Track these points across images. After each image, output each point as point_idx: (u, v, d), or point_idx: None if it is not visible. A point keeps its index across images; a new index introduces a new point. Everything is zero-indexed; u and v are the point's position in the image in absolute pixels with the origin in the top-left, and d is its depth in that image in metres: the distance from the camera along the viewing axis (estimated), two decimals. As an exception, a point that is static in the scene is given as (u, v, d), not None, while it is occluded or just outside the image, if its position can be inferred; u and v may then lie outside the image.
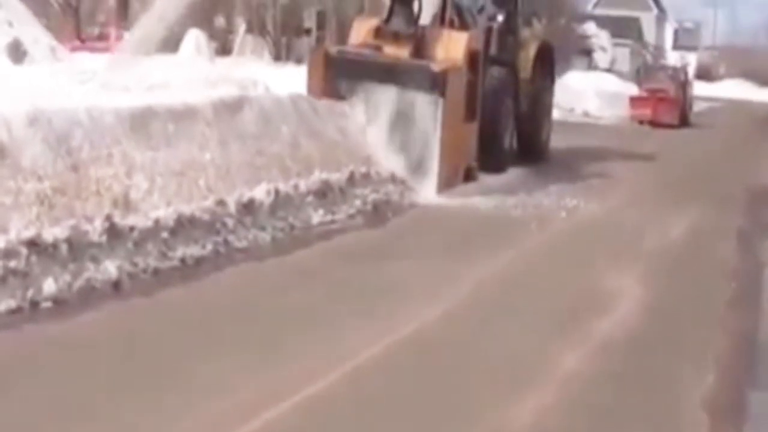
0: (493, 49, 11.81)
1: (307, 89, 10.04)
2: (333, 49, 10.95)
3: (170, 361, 4.39)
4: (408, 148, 9.63)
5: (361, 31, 10.95)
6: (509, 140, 12.03)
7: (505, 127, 11.72)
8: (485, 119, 10.87)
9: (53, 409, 3.77)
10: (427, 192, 9.35)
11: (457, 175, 10.17)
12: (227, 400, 3.96)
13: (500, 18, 12.27)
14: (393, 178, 9.23)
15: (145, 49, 11.11)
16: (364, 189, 8.57)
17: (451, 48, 10.38)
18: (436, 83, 9.59)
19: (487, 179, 10.81)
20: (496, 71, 11.63)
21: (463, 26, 11.14)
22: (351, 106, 9.86)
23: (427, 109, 9.61)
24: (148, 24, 11.06)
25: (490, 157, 11.05)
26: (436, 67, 9.78)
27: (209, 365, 4.36)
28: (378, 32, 10.58)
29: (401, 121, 9.72)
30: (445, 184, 9.64)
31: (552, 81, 14.24)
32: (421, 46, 10.43)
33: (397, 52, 10.29)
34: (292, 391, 4.05)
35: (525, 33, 13.48)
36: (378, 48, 10.35)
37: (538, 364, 4.77)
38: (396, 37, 10.43)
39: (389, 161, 9.37)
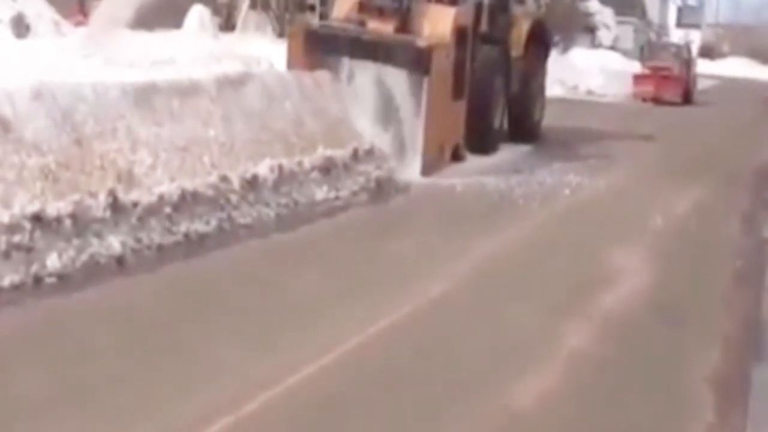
0: (483, 26, 11.36)
1: (287, 65, 9.77)
2: (314, 23, 10.54)
3: (171, 340, 4.38)
4: (392, 126, 9.41)
5: (344, 5, 10.58)
6: (499, 120, 11.72)
7: (495, 107, 11.38)
8: (474, 98, 10.56)
9: (52, 386, 3.77)
10: (412, 171, 9.10)
11: (444, 154, 9.89)
12: (227, 380, 3.96)
13: None
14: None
15: (115, 22, 11.00)
16: (368, 165, 8.53)
17: (438, 23, 10.07)
18: (421, 60, 9.33)
19: (486, 158, 10.66)
20: (486, 49, 11.15)
21: (453, 1, 10.81)
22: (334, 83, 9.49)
23: (411, 87, 9.38)
24: None
25: (479, 137, 10.77)
26: (421, 43, 9.53)
27: (210, 343, 4.35)
28: (362, 6, 10.26)
29: (385, 98, 9.48)
30: (431, 163, 9.37)
31: (545, 60, 13.84)
32: (406, 21, 10.13)
33: (382, 28, 10.00)
34: (292, 370, 4.05)
35: (517, 10, 12.96)
36: (362, 23, 10.05)
37: (541, 343, 4.77)
38: (380, 12, 10.13)
39: (373, 139, 9.03)
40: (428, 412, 3.87)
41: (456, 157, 10.16)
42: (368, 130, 9.18)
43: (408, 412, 3.86)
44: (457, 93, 10.13)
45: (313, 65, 9.46)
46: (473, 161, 10.39)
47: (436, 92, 9.44)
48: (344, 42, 9.66)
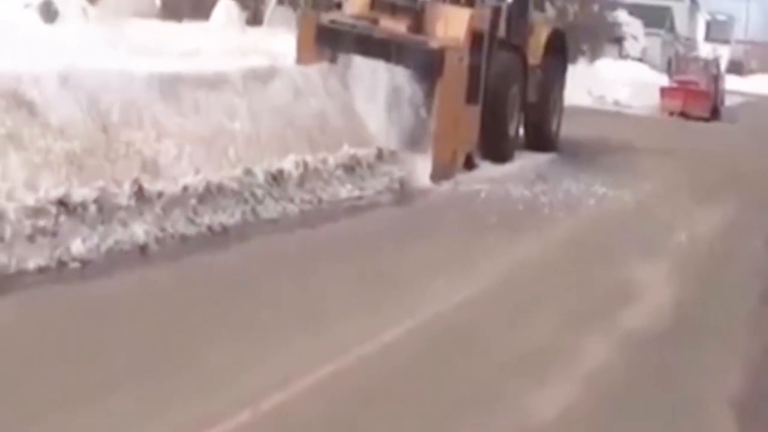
0: (500, 31, 10.93)
1: (296, 59, 9.52)
2: (325, 18, 10.03)
3: (190, 329, 4.34)
4: (402, 128, 9.21)
5: (357, 1, 10.23)
6: (515, 128, 11.38)
7: (511, 114, 11.01)
8: (489, 104, 10.23)
9: (70, 376, 3.73)
10: (421, 175, 8.81)
11: (456, 160, 9.52)
12: (244, 373, 3.91)
13: None
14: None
15: (123, 10, 11.03)
16: (392, 166, 8.50)
17: (453, 25, 9.74)
18: (433, 61, 9.09)
19: (504, 166, 10.47)
20: (502, 54, 10.69)
21: (469, 3, 10.49)
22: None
23: (423, 89, 9.17)
24: None
25: (494, 144, 10.47)
26: (433, 44, 9.27)
27: (228, 337, 4.30)
28: (375, 3, 9.95)
29: (395, 99, 9.26)
30: (442, 168, 9.05)
31: (564, 70, 13.45)
32: (420, 21, 9.84)
33: (394, 26, 9.68)
34: (307, 371, 3.97)
35: (537, 17, 12.67)
36: (374, 20, 9.74)
37: (563, 356, 4.68)
38: (393, 10, 9.82)
39: (383, 141, 8.82)
40: (444, 415, 3.80)
41: (469, 164, 9.86)
42: (377, 131, 8.98)
43: (424, 413, 3.79)
44: (471, 98, 9.82)
45: (322, 61, 9.25)
46: (490, 168, 10.18)
47: (448, 95, 9.19)
48: (354, 39, 9.39)
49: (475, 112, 10.04)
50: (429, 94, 9.22)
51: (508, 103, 10.86)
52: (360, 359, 4.24)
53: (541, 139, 12.52)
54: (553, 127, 13.03)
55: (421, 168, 8.88)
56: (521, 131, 12.00)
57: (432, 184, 8.81)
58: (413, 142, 9.21)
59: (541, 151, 12.23)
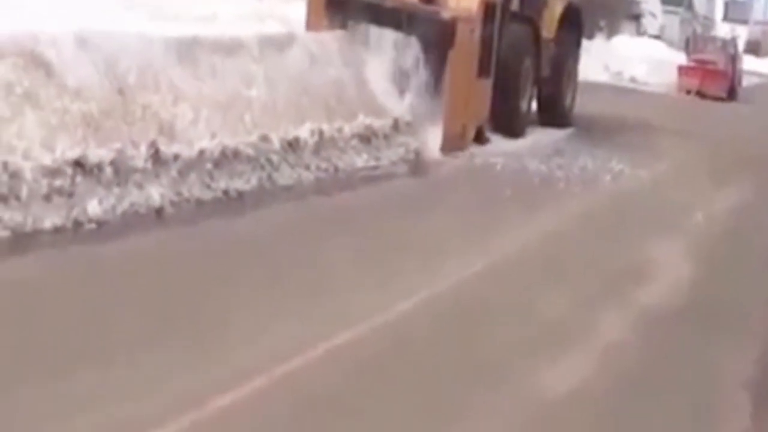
0: (514, 4, 10.80)
1: (306, 27, 9.40)
2: None
3: (203, 296, 4.31)
4: (413, 100, 9.09)
5: None
6: (527, 103, 11.23)
7: (523, 88, 10.89)
8: (501, 78, 10.09)
9: (83, 336, 3.71)
10: (432, 148, 8.71)
11: (466, 134, 9.42)
12: (257, 343, 3.89)
13: None
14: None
15: None
16: (408, 137, 8.45)
17: None
18: (445, 32, 8.99)
19: (518, 140, 10.40)
20: (515, 27, 10.57)
21: None
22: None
23: (433, 59, 9.07)
24: None
25: (506, 118, 10.37)
26: (445, 15, 9.18)
27: (242, 304, 4.28)
28: None
29: (406, 70, 9.15)
30: (452, 141, 8.94)
31: (578, 45, 13.28)
32: None
33: None
34: (320, 340, 3.94)
35: None
36: None
37: (576, 332, 4.64)
38: None
39: (396, 112, 8.72)
40: (456, 388, 3.78)
41: (479, 138, 9.71)
42: (387, 101, 8.87)
43: (436, 385, 3.78)
44: (483, 71, 9.69)
45: (332, 29, 9.15)
46: (503, 143, 10.08)
47: (460, 67, 9.07)
48: (365, 7, 9.26)
49: (486, 85, 9.91)
50: (440, 66, 9.11)
51: (520, 76, 10.73)
52: (373, 329, 4.21)
53: (554, 114, 12.38)
54: (567, 102, 12.88)
55: (432, 140, 8.79)
56: (534, 106, 11.88)
57: (446, 156, 8.74)
58: (424, 114, 9.08)
59: (555, 127, 12.11)
